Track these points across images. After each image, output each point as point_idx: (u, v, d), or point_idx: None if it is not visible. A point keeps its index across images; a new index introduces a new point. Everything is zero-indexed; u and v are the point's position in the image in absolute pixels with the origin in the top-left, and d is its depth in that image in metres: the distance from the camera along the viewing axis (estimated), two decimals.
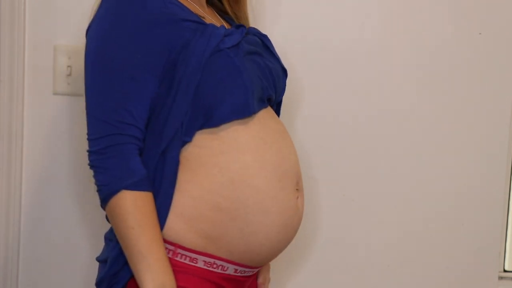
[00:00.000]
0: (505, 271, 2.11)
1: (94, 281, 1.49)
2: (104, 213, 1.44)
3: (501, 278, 2.07)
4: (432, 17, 1.95)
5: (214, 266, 1.40)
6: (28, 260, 1.94)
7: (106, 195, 1.34)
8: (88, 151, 1.36)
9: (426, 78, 1.97)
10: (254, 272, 1.50)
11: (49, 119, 1.90)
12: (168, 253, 1.37)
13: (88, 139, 1.37)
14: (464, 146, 1.99)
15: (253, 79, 1.41)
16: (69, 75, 1.88)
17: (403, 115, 1.98)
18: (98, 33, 1.36)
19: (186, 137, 1.38)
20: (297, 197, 1.46)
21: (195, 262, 1.39)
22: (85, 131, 1.39)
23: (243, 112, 1.39)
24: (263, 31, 1.60)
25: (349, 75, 1.96)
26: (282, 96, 1.61)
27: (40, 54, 1.88)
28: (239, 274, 1.44)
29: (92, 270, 1.52)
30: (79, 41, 1.76)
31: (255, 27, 1.61)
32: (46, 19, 1.87)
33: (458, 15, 1.96)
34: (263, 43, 1.54)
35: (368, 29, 1.95)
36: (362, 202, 1.99)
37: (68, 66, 1.88)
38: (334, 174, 1.99)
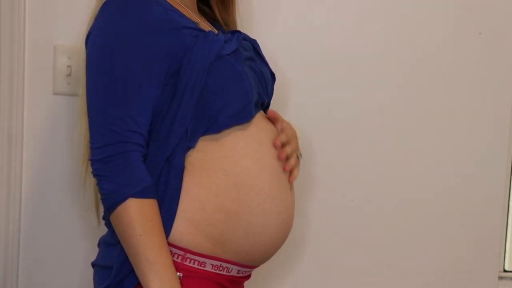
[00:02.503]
0: (505, 271, 2.11)
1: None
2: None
3: (501, 278, 2.07)
4: (432, 17, 1.95)
5: (221, 268, 1.41)
6: (28, 260, 1.94)
7: (112, 203, 1.34)
8: (91, 159, 1.36)
9: (426, 78, 1.97)
10: (250, 272, 1.51)
11: (49, 119, 1.90)
12: (177, 258, 1.38)
13: (91, 147, 1.36)
14: (464, 146, 1.99)
15: (252, 85, 1.42)
16: (69, 75, 1.88)
17: (403, 115, 1.98)
18: (99, 41, 1.36)
19: (190, 143, 1.39)
20: (291, 195, 1.50)
21: (203, 265, 1.40)
22: (85, 131, 1.39)
23: (244, 117, 1.41)
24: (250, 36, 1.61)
25: (349, 75, 1.96)
26: (270, 100, 1.62)
27: (40, 54, 1.88)
28: (240, 275, 1.46)
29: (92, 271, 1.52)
30: (79, 41, 1.75)
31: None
32: (46, 19, 1.87)
33: (458, 15, 1.96)
34: (254, 48, 1.56)
35: (367, 29, 1.95)
36: (362, 202, 2.00)
37: (68, 66, 1.88)
38: (334, 174, 1.99)
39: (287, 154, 1.46)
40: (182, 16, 1.42)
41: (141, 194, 1.33)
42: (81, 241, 1.93)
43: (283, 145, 1.47)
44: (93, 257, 1.53)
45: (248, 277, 1.52)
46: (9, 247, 1.90)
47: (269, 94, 1.58)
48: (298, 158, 1.53)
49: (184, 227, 1.38)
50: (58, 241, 1.94)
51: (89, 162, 1.37)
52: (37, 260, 1.94)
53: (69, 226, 1.93)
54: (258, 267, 1.53)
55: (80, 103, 1.51)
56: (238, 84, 1.40)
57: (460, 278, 2.03)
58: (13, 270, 1.91)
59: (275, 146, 1.45)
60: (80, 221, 1.93)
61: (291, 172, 1.50)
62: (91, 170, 1.38)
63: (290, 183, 1.49)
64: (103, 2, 1.40)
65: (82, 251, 1.93)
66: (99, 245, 1.51)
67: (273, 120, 1.51)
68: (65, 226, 1.93)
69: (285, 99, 1.91)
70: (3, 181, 1.87)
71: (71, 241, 1.94)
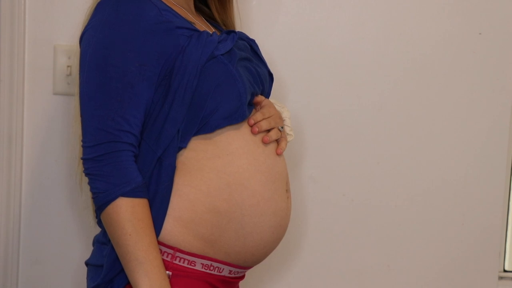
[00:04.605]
0: (505, 271, 2.11)
1: None
2: None
3: (501, 278, 2.07)
4: (432, 17, 1.95)
5: (211, 268, 1.41)
6: (28, 259, 1.94)
7: (103, 202, 1.34)
8: (83, 158, 1.36)
9: (426, 78, 1.97)
10: (244, 273, 1.51)
11: (49, 119, 1.90)
12: (167, 256, 1.38)
13: (83, 146, 1.36)
14: (464, 146, 1.99)
15: (245, 85, 1.42)
16: (69, 75, 1.88)
17: (403, 115, 1.98)
18: (94, 41, 1.36)
19: (182, 143, 1.39)
20: (287, 197, 1.49)
21: (193, 265, 1.39)
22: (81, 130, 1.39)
23: (237, 118, 1.41)
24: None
25: (348, 76, 1.96)
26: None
27: (40, 54, 1.88)
28: (232, 275, 1.46)
29: None
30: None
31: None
32: (46, 19, 1.87)
33: (458, 15, 1.96)
34: (252, 48, 1.55)
35: (366, 29, 1.95)
36: (362, 202, 2.00)
37: (68, 66, 1.88)
38: (334, 174, 1.99)
39: (261, 128, 1.44)
40: (177, 15, 1.42)
41: (131, 193, 1.33)
42: (82, 240, 1.94)
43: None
44: None
45: (242, 277, 1.51)
46: (9, 247, 1.90)
47: (266, 94, 1.57)
48: (279, 131, 1.51)
49: (172, 226, 1.38)
50: (58, 241, 1.94)
51: (81, 161, 1.38)
52: (37, 260, 1.94)
53: (69, 226, 1.94)
54: (257, 267, 1.53)
55: (75, 103, 1.51)
56: (231, 85, 1.39)
57: (460, 278, 2.03)
58: (13, 270, 1.91)
59: (249, 124, 1.44)
60: (80, 220, 1.93)
61: (278, 144, 1.49)
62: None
63: (278, 154, 1.48)
64: (98, 1, 1.40)
65: (83, 250, 1.93)
66: (93, 244, 1.52)
67: (255, 103, 1.50)
68: (66, 225, 1.94)
69: (285, 99, 1.91)
70: (3, 181, 1.87)
71: (71, 240, 1.94)
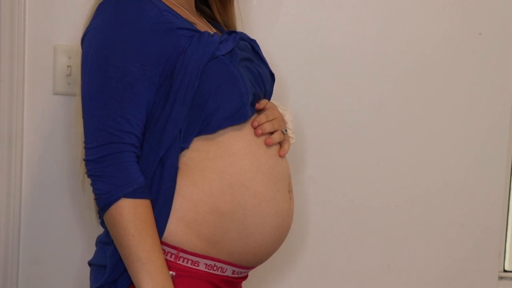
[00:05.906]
0: (505, 271, 2.11)
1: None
2: None
3: (501, 278, 2.07)
4: (432, 17, 1.95)
5: (215, 268, 1.41)
6: (28, 259, 1.94)
7: (106, 203, 1.34)
8: (85, 159, 1.37)
9: (426, 78, 1.97)
10: (247, 273, 1.51)
11: (49, 119, 1.90)
12: (170, 257, 1.38)
13: (85, 147, 1.36)
14: (464, 146, 1.99)
15: (247, 85, 1.42)
16: (69, 75, 1.88)
17: (403, 115, 1.98)
18: (95, 42, 1.36)
19: (184, 144, 1.39)
20: (290, 198, 1.49)
21: (196, 265, 1.40)
22: (82, 131, 1.39)
23: (239, 118, 1.41)
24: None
25: (348, 76, 1.96)
26: (269, 100, 1.61)
27: (40, 54, 1.88)
28: (235, 276, 1.46)
29: None
30: (79, 41, 1.76)
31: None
32: (46, 19, 1.87)
33: (458, 15, 1.96)
34: (253, 48, 1.56)
35: (367, 29, 1.95)
36: (362, 202, 2.00)
37: (68, 66, 1.88)
38: (335, 175, 1.99)
39: (264, 130, 1.44)
40: (177, 16, 1.42)
41: (134, 194, 1.33)
42: (82, 240, 1.94)
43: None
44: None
45: (245, 277, 1.52)
46: (9, 247, 1.90)
47: (268, 94, 1.57)
48: (283, 133, 1.51)
49: (175, 226, 1.39)
50: (58, 241, 1.94)
51: (84, 162, 1.38)
52: (37, 260, 1.94)
53: (69, 226, 1.94)
54: (260, 267, 1.53)
55: (77, 103, 1.51)
56: (232, 85, 1.39)
57: (460, 278, 2.03)
58: (13, 270, 1.91)
59: (252, 126, 1.45)
60: (80, 220, 1.93)
61: (281, 146, 1.49)
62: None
63: (280, 156, 1.48)
64: (99, 2, 1.40)
65: (83, 251, 1.93)
66: (96, 244, 1.52)
67: (258, 109, 1.50)
68: (66, 225, 1.94)
69: (284, 99, 1.91)
70: (3, 181, 1.87)
71: (71, 240, 1.94)
